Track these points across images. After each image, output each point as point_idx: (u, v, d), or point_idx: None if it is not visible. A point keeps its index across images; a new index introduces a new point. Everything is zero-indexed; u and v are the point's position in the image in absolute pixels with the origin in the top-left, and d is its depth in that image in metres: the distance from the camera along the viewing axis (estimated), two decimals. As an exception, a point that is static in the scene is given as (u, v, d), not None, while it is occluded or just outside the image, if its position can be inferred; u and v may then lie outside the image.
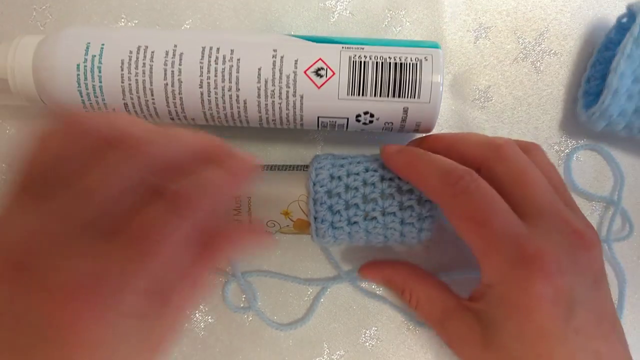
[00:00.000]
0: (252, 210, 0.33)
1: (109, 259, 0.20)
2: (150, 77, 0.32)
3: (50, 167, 0.22)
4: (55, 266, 0.20)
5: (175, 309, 0.23)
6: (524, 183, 0.29)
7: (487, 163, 0.30)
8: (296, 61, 0.32)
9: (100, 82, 0.32)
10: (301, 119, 0.33)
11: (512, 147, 0.30)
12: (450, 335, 0.31)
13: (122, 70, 0.32)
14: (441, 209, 0.30)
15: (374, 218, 0.32)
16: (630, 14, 0.35)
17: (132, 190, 0.22)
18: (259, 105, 0.32)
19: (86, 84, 0.32)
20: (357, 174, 0.32)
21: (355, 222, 0.32)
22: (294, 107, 0.32)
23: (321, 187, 0.31)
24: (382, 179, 0.31)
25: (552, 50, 0.39)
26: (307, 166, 0.34)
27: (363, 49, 0.33)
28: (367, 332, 0.38)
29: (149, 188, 0.22)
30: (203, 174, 0.23)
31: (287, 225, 0.33)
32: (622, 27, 0.36)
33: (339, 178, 0.32)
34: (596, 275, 0.28)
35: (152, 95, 0.32)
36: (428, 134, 0.34)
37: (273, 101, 0.32)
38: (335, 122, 0.33)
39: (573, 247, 0.27)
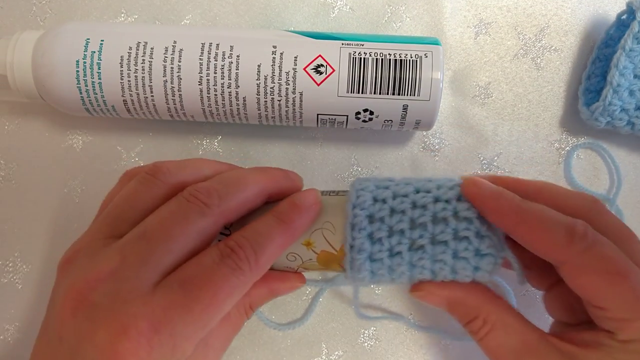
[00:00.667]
0: None
1: (170, 306, 0.21)
2: (150, 73, 0.32)
3: (126, 208, 0.24)
4: (121, 308, 0.21)
5: (213, 351, 0.26)
6: (628, 236, 0.26)
7: (589, 215, 0.27)
8: (296, 58, 0.32)
9: (100, 78, 0.32)
10: (300, 116, 0.33)
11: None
12: None
13: (121, 66, 0.32)
14: (558, 268, 0.26)
15: (421, 247, 0.26)
16: (630, 10, 0.35)
17: (197, 240, 0.24)
18: (258, 102, 0.32)
19: (85, 81, 0.32)
20: (406, 195, 0.27)
21: (398, 253, 0.27)
22: (294, 104, 0.32)
23: (362, 209, 0.27)
24: (436, 200, 0.27)
25: (552, 46, 0.39)
26: (334, 191, 0.30)
27: (363, 45, 0.32)
28: (366, 332, 0.38)
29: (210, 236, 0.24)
30: (260, 227, 0.25)
31: (310, 259, 0.28)
32: (622, 24, 0.36)
33: (384, 201, 0.27)
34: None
35: (152, 92, 0.32)
36: (499, 175, 0.33)
37: (272, 98, 0.32)
38: (335, 119, 0.33)
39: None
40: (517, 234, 0.26)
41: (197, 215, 0.24)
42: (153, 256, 0.22)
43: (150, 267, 0.22)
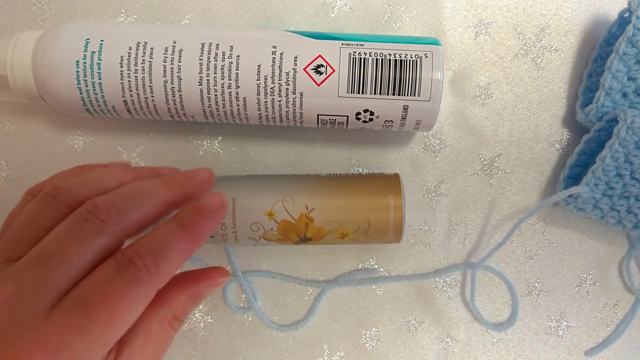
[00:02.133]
0: (236, 212, 0.32)
1: (65, 329, 0.20)
2: (150, 74, 0.32)
3: (25, 231, 0.23)
4: (14, 335, 0.20)
5: None
6: None
7: None
8: (296, 58, 0.32)
9: (100, 79, 0.32)
10: (301, 117, 0.33)
11: None
12: None
13: (121, 67, 0.32)
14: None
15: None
16: (630, 10, 0.35)
17: (95, 259, 0.22)
18: (258, 103, 0.32)
19: (85, 81, 0.32)
20: None
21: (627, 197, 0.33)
22: (294, 105, 0.32)
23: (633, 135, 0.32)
24: None
25: (552, 46, 0.39)
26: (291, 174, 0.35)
27: (363, 45, 0.32)
28: (368, 333, 0.38)
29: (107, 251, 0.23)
30: (161, 234, 0.23)
31: (272, 229, 0.33)
32: (624, 22, 0.36)
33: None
34: None
35: (152, 92, 0.32)
36: None
37: (273, 99, 0.32)
38: (335, 120, 0.33)
39: None
40: None
41: (94, 233, 0.22)
42: (48, 280, 0.21)
43: (45, 291, 0.21)
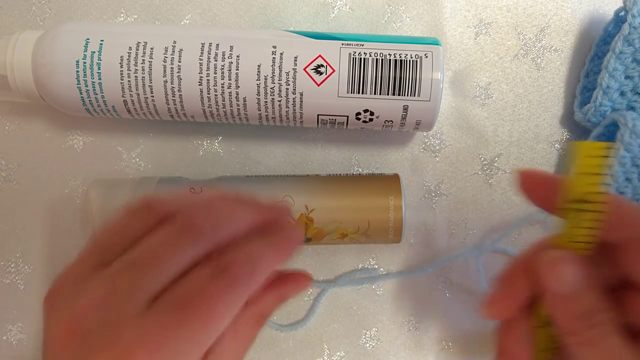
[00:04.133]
0: None
1: (165, 326, 0.21)
2: (150, 74, 0.32)
3: (116, 238, 0.24)
4: (115, 333, 0.21)
5: None
6: None
7: None
8: (296, 58, 0.32)
9: (100, 79, 0.32)
10: (301, 117, 0.33)
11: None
12: None
13: (121, 67, 0.32)
14: None
15: None
16: (626, 8, 0.35)
17: (184, 265, 0.23)
18: (258, 103, 0.32)
19: (85, 81, 0.32)
20: None
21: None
22: (294, 105, 0.32)
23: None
24: None
25: (552, 46, 0.39)
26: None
27: (363, 45, 0.32)
28: (368, 333, 0.38)
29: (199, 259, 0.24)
30: (252, 249, 0.24)
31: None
32: (620, 21, 0.36)
33: None
34: None
35: (152, 92, 0.32)
36: None
37: (273, 99, 0.32)
38: (335, 120, 0.33)
39: None
40: None
41: (188, 243, 0.23)
42: (142, 282, 0.22)
43: (139, 292, 0.22)
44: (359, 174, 0.36)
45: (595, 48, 0.38)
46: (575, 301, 0.25)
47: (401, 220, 0.33)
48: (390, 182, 0.34)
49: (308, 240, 0.34)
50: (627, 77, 0.35)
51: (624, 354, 0.25)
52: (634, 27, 0.34)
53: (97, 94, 0.32)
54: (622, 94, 0.35)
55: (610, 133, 0.35)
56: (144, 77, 0.32)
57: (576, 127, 0.38)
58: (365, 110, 0.33)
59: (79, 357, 0.20)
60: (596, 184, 0.23)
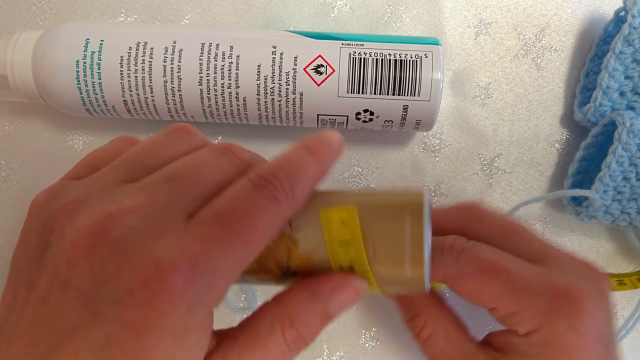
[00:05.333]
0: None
1: (207, 240, 0.19)
2: (150, 74, 0.32)
3: (147, 154, 0.22)
4: (151, 242, 0.18)
5: None
6: (511, 231, 0.27)
7: (464, 227, 0.28)
8: (296, 58, 0.32)
9: (100, 79, 0.32)
10: (301, 117, 0.33)
11: (482, 205, 0.29)
12: None
13: (121, 67, 0.32)
14: (449, 287, 0.27)
15: None
16: (626, 8, 0.35)
17: (225, 178, 0.21)
18: (258, 103, 0.32)
19: (85, 81, 0.32)
20: None
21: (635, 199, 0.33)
22: (294, 105, 0.32)
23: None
24: None
25: (552, 46, 0.39)
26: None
27: (363, 45, 0.32)
28: (367, 333, 0.38)
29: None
30: (293, 158, 0.22)
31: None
32: (620, 21, 0.36)
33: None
34: (611, 307, 0.26)
35: (152, 92, 0.32)
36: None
37: (273, 98, 0.32)
38: (335, 119, 0.33)
39: (593, 280, 0.26)
40: None
41: (230, 163, 0.22)
42: (182, 192, 0.20)
43: (179, 202, 0.20)
44: (369, 188, 0.28)
45: (595, 48, 0.38)
46: (400, 309, 0.29)
47: (421, 252, 0.21)
48: (409, 198, 0.22)
49: (293, 275, 0.23)
50: (626, 77, 0.35)
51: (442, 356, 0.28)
52: (633, 27, 0.34)
53: (97, 94, 0.33)
54: (622, 94, 0.35)
55: (608, 132, 0.35)
56: (144, 77, 0.32)
57: (576, 127, 0.38)
58: (365, 110, 0.33)
59: (103, 266, 0.18)
60: (355, 252, 0.21)
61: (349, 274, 0.22)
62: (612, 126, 0.34)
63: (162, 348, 0.18)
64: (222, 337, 0.22)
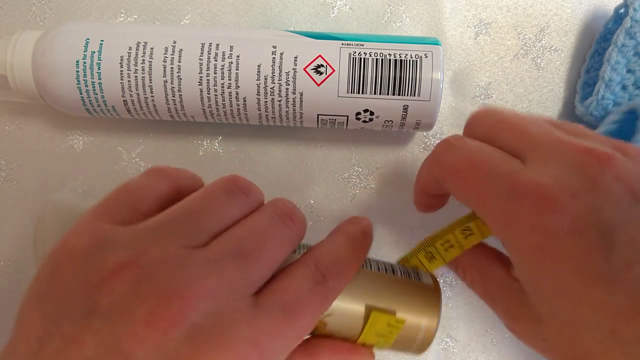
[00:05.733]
0: None
1: (272, 331, 0.20)
2: (150, 74, 0.32)
3: (207, 216, 0.22)
4: (227, 331, 0.19)
5: None
6: (511, 124, 0.24)
7: (468, 130, 0.26)
8: (296, 58, 0.32)
9: (100, 79, 0.32)
10: (301, 117, 0.33)
11: (484, 108, 0.27)
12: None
13: (121, 67, 0.32)
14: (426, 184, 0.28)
15: None
16: (627, 4, 0.35)
17: (283, 259, 0.23)
18: (258, 103, 0.32)
19: (85, 81, 0.32)
20: None
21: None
22: (294, 105, 0.32)
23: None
24: None
25: (552, 46, 0.39)
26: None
27: (363, 45, 0.32)
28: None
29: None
30: (342, 253, 0.24)
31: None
32: (619, 18, 0.37)
33: None
34: (632, 187, 0.20)
35: (152, 92, 0.32)
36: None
37: (273, 98, 0.32)
38: (335, 119, 0.33)
39: (585, 167, 0.21)
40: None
41: (288, 237, 0.23)
42: (249, 274, 0.21)
43: (248, 286, 0.21)
44: (393, 273, 0.28)
45: (595, 45, 0.38)
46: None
47: (430, 340, 0.28)
48: (428, 297, 0.28)
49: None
50: (629, 71, 0.35)
51: (485, 296, 0.27)
52: (635, 20, 0.34)
53: (97, 94, 0.33)
54: (624, 87, 0.35)
55: (626, 121, 0.35)
56: (144, 77, 0.32)
57: (576, 127, 0.38)
58: (365, 110, 0.33)
59: (181, 350, 0.18)
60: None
61: (367, 347, 0.26)
62: (631, 114, 0.34)
63: None
64: None
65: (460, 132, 0.38)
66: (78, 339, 0.18)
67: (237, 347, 0.19)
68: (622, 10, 0.36)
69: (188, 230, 0.21)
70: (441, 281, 0.38)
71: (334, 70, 0.32)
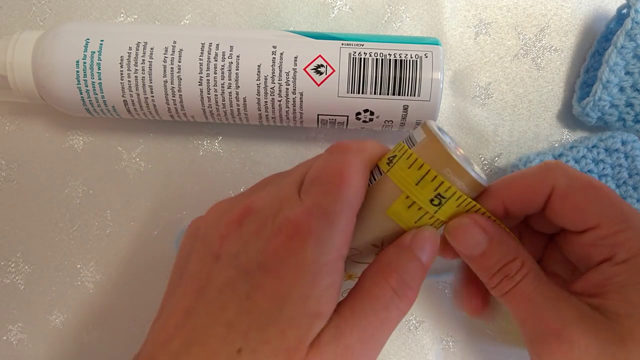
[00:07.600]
0: None
1: (314, 196, 0.23)
2: (150, 74, 0.32)
3: None
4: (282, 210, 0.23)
5: None
6: (597, 189, 0.25)
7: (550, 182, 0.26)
8: (296, 58, 0.32)
9: (100, 79, 0.32)
10: (301, 117, 0.33)
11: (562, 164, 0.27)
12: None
13: (121, 67, 0.32)
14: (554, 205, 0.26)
15: None
16: (628, 5, 0.35)
17: None
18: (258, 103, 0.32)
19: (85, 81, 0.32)
20: None
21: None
22: (294, 105, 0.32)
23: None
24: None
25: (552, 46, 0.39)
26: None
27: (363, 45, 0.32)
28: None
29: None
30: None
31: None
32: (622, 18, 0.36)
33: None
34: None
35: (152, 92, 0.32)
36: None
37: (273, 98, 0.32)
38: (335, 119, 0.33)
39: None
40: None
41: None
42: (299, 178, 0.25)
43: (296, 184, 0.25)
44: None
45: (596, 44, 0.38)
46: (487, 259, 0.26)
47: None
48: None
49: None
50: (627, 73, 0.35)
51: (538, 297, 0.25)
52: (636, 22, 0.34)
53: (97, 94, 0.33)
54: (622, 89, 0.35)
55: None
56: (144, 77, 0.32)
57: (576, 127, 0.38)
58: (365, 110, 0.33)
59: (251, 230, 0.23)
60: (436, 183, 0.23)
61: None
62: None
63: (299, 288, 0.21)
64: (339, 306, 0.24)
65: (460, 132, 0.38)
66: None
67: (289, 213, 0.23)
68: (624, 11, 0.36)
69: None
70: (441, 280, 0.38)
71: (334, 70, 0.32)
